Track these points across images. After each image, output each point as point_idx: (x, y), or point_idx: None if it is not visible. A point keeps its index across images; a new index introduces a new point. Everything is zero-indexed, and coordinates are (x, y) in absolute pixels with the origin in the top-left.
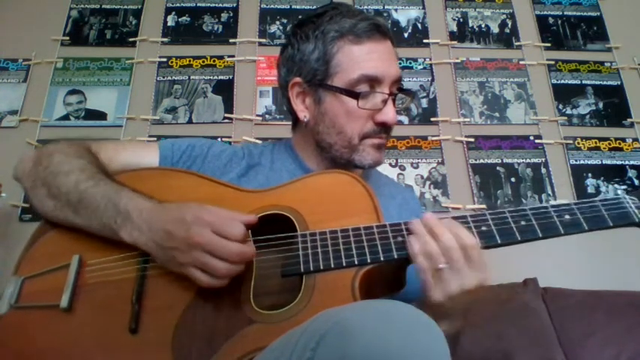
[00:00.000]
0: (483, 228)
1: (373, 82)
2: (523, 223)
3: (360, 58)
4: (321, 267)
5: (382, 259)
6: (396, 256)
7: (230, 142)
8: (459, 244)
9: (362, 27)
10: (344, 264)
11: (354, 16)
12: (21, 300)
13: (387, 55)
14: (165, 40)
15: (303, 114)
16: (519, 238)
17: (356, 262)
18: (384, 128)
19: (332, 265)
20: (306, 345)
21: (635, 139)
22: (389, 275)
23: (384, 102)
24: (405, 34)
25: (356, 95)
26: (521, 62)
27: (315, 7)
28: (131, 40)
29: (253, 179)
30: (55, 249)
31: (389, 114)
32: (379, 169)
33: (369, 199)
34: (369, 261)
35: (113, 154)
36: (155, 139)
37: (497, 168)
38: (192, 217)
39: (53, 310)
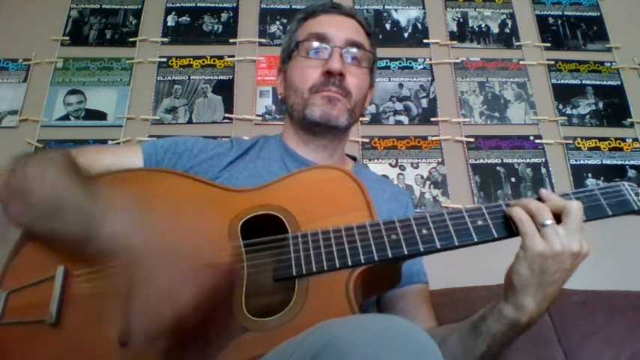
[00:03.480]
0: (479, 222)
1: (321, 40)
2: None
3: (313, 24)
4: (314, 270)
5: (376, 259)
6: (390, 256)
7: None
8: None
9: (320, 7)
10: (337, 266)
11: (321, 3)
12: (6, 316)
13: (341, 21)
14: (165, 40)
15: (280, 91)
16: (515, 232)
17: (349, 264)
18: (333, 80)
19: (325, 268)
20: None
21: (635, 139)
22: (384, 273)
23: (330, 54)
24: (405, 34)
25: (298, 45)
26: (521, 62)
27: None
28: (131, 40)
29: (242, 168)
30: (40, 259)
31: (331, 62)
32: (372, 168)
33: (361, 195)
34: (362, 262)
35: (94, 157)
36: (155, 139)
37: (497, 168)
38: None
39: (40, 325)
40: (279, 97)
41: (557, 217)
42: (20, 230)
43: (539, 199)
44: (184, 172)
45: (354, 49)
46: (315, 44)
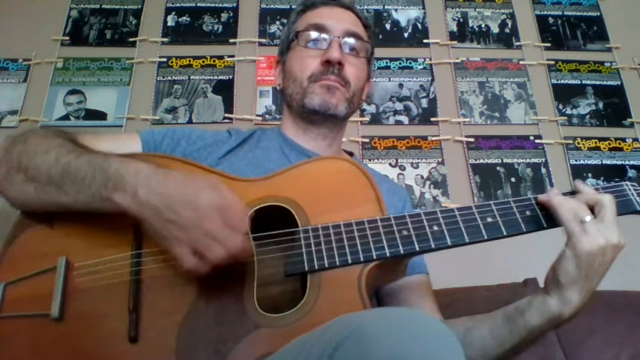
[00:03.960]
0: (489, 219)
1: (319, 29)
2: (528, 213)
3: (311, 16)
4: (326, 265)
5: (388, 255)
6: (402, 252)
7: None
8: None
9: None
10: (349, 261)
11: None
12: (4, 309)
13: (339, 13)
14: (165, 40)
15: (278, 82)
16: (524, 229)
17: (362, 259)
18: (332, 69)
19: (337, 263)
20: (323, 351)
21: (635, 139)
22: (392, 267)
23: (330, 44)
24: (405, 34)
25: (297, 36)
26: (521, 62)
27: None
28: (131, 40)
29: (242, 157)
30: (38, 249)
31: (330, 51)
32: (372, 168)
33: (370, 188)
34: (374, 257)
35: (92, 143)
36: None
37: (497, 168)
38: (203, 198)
39: (42, 319)
40: (278, 88)
41: (591, 210)
42: (15, 219)
43: (573, 192)
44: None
45: (352, 40)
46: (314, 34)
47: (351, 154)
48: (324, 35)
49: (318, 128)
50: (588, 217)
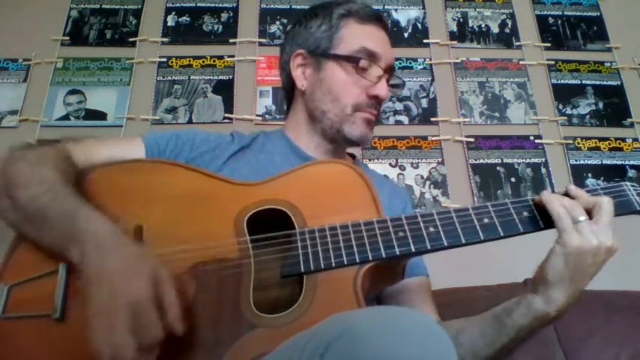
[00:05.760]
0: (485, 220)
1: (371, 57)
2: (525, 214)
3: (363, 34)
4: (322, 266)
5: (384, 256)
6: (398, 253)
7: None
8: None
9: (367, 12)
10: (345, 262)
11: (361, 5)
12: (8, 310)
13: (386, 41)
14: (165, 40)
15: (301, 82)
16: (521, 230)
17: (357, 260)
18: (376, 104)
19: (333, 265)
20: (315, 350)
21: (635, 139)
22: (390, 269)
23: (379, 78)
24: (405, 34)
25: (356, 61)
26: (521, 62)
27: None
28: (131, 40)
29: (244, 162)
30: (41, 253)
31: (382, 89)
32: (372, 168)
33: (367, 190)
34: (370, 258)
35: (95, 149)
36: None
37: (497, 168)
38: (131, 286)
39: (45, 320)
40: (301, 88)
41: (588, 213)
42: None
43: (566, 194)
44: (187, 163)
45: (391, 74)
46: (366, 63)
47: (353, 156)
48: (374, 67)
49: (337, 148)
50: (582, 217)
